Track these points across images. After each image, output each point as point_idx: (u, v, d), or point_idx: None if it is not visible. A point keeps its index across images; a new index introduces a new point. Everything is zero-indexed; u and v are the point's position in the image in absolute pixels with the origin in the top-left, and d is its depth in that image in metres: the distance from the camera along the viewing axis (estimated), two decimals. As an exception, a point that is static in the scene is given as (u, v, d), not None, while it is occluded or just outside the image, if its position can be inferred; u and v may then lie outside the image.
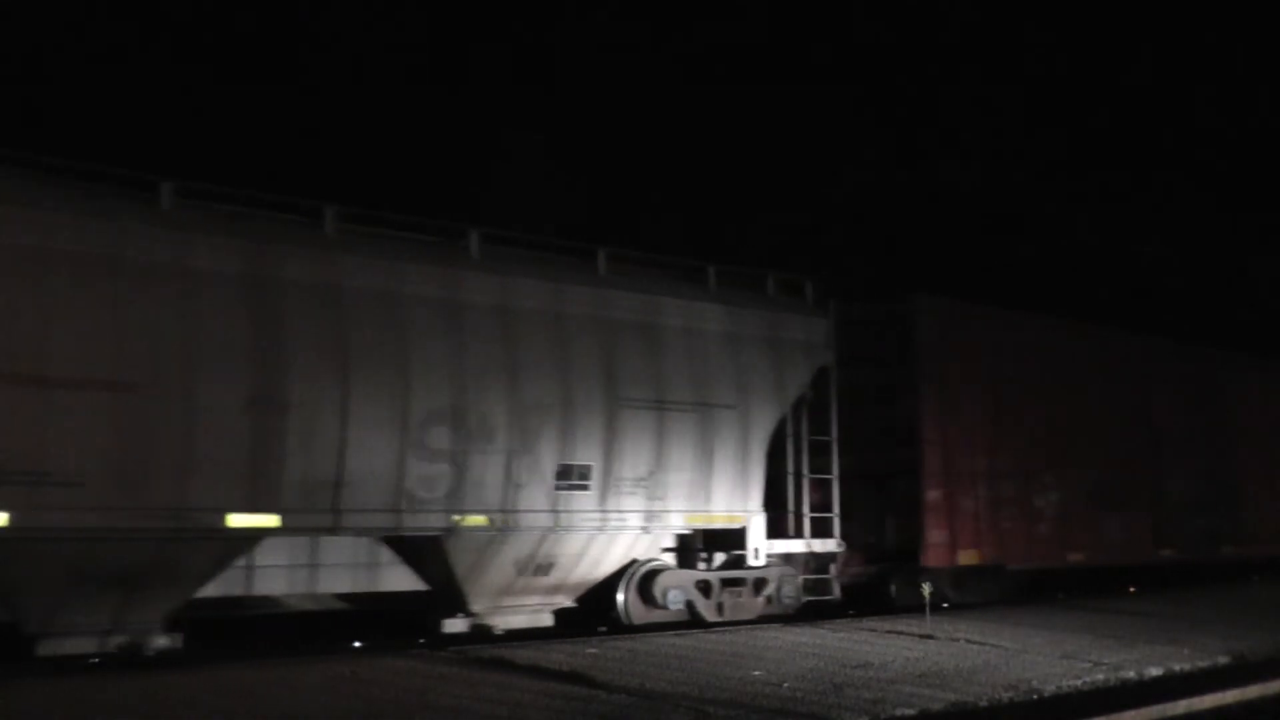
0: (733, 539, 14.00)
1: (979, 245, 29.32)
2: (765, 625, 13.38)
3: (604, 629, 13.38)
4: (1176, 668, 11.45)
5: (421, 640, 12.07)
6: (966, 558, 16.49)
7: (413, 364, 11.42)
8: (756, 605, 14.10)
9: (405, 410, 11.32)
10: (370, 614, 12.66)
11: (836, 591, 14.89)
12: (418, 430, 11.40)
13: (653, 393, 13.13)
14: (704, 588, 13.74)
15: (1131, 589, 19.61)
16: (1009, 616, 14.84)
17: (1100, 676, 10.73)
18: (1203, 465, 20.83)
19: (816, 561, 14.88)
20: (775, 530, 14.37)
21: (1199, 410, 21.14)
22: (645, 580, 13.33)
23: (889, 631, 13.06)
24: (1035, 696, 9.78)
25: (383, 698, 8.70)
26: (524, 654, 10.70)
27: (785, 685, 9.69)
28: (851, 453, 15.32)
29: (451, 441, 11.63)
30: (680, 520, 13.38)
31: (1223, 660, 12.08)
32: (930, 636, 12.67)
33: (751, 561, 13.97)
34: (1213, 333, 31.07)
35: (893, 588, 16.22)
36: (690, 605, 13.54)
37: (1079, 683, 10.38)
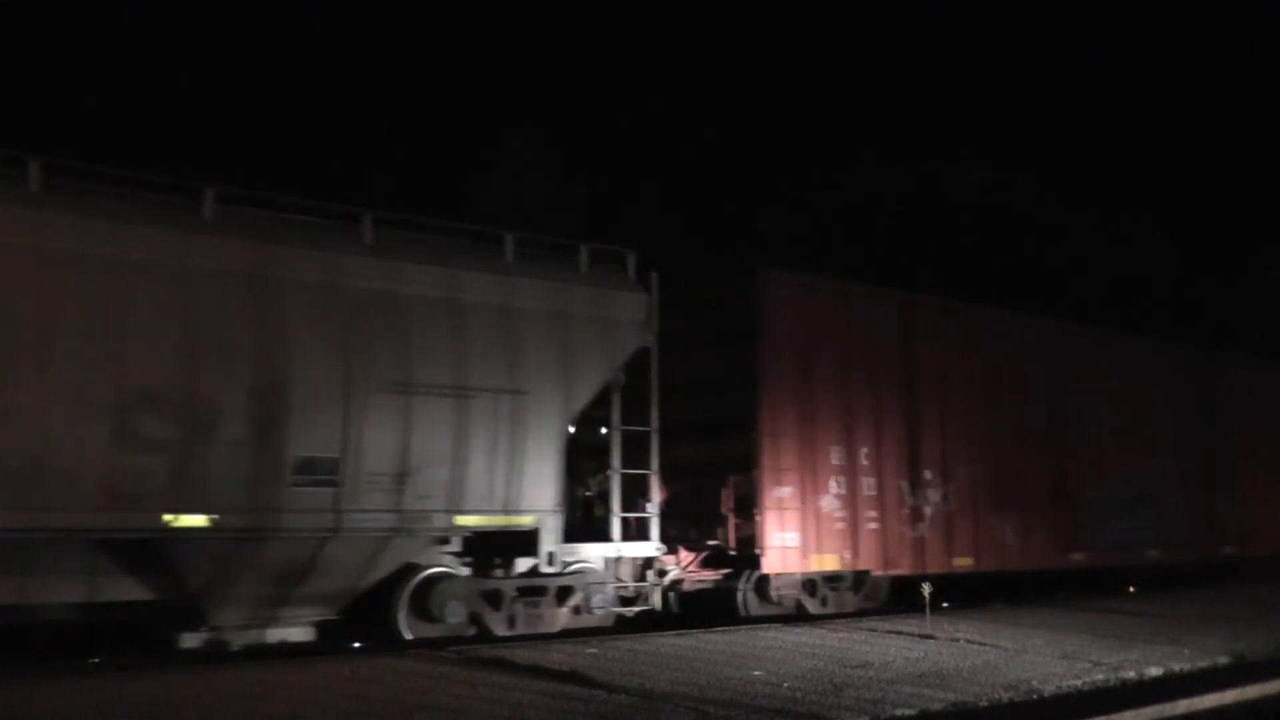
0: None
1: (979, 246, 29.31)
2: (765, 625, 13.38)
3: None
4: (1176, 668, 11.45)
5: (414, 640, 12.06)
6: (823, 563, 14.90)
7: (128, 337, 10.02)
8: (559, 617, 12.83)
9: (116, 390, 9.91)
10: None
11: (655, 601, 13.74)
12: (127, 414, 9.97)
13: (416, 376, 11.58)
14: (493, 598, 12.41)
15: (1131, 589, 19.60)
16: (1009, 616, 14.85)
17: (1100, 676, 10.73)
18: (1126, 465, 19.29)
19: (636, 567, 13.64)
20: (602, 534, 13.31)
21: (1125, 405, 19.51)
22: (421, 590, 11.95)
23: (889, 631, 13.06)
24: (1035, 696, 9.78)
25: (383, 698, 8.70)
26: (524, 654, 10.70)
27: (785, 685, 9.69)
28: (694, 444, 14.43)
29: (169, 429, 10.18)
30: (445, 521, 11.81)
31: (1223, 660, 12.08)
32: (930, 636, 12.67)
33: (545, 568, 12.58)
34: (1212, 334, 31.16)
35: (741, 596, 14.84)
36: (476, 618, 12.27)
37: (1079, 683, 10.37)
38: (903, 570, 15.62)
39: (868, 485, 15.46)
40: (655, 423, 13.61)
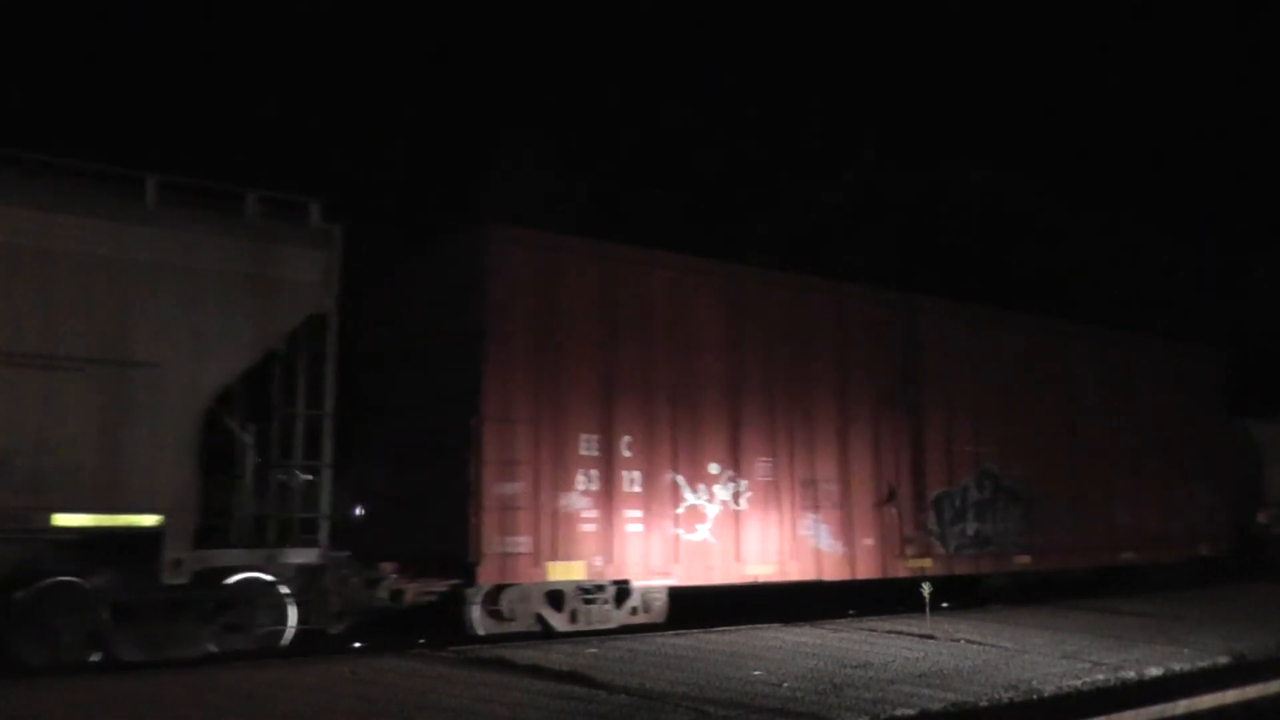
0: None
1: (981, 246, 29.32)
2: (765, 625, 13.38)
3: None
4: (1176, 668, 11.44)
5: (421, 640, 12.07)
6: (564, 571, 12.61)
7: None
8: (200, 638, 10.77)
9: None
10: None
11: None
12: None
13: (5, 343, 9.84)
14: (129, 612, 10.41)
15: (1131, 589, 19.56)
16: (1009, 616, 14.84)
17: (1100, 676, 10.72)
18: (988, 459, 16.95)
19: (311, 576, 11.39)
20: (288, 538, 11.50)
21: (992, 390, 17.18)
22: (31, 603, 10.05)
23: (889, 631, 13.06)
24: (1035, 696, 9.77)
25: (383, 698, 8.71)
26: (524, 654, 10.71)
27: (785, 685, 9.69)
28: (413, 429, 12.94)
29: None
30: (42, 520, 9.99)
31: (1223, 660, 12.07)
32: (930, 636, 12.67)
33: (170, 578, 10.46)
34: (1215, 336, 31.20)
35: (471, 610, 12.45)
36: (99, 638, 10.33)
37: (1079, 683, 10.37)
38: (675, 580, 13.39)
39: (630, 480, 13.12)
40: (330, 405, 11.45)
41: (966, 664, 11.03)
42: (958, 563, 16.42)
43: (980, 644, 12.32)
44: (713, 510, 13.79)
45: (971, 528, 16.61)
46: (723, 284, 14.36)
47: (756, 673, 10.21)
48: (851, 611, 15.06)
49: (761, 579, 14.14)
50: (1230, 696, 10.42)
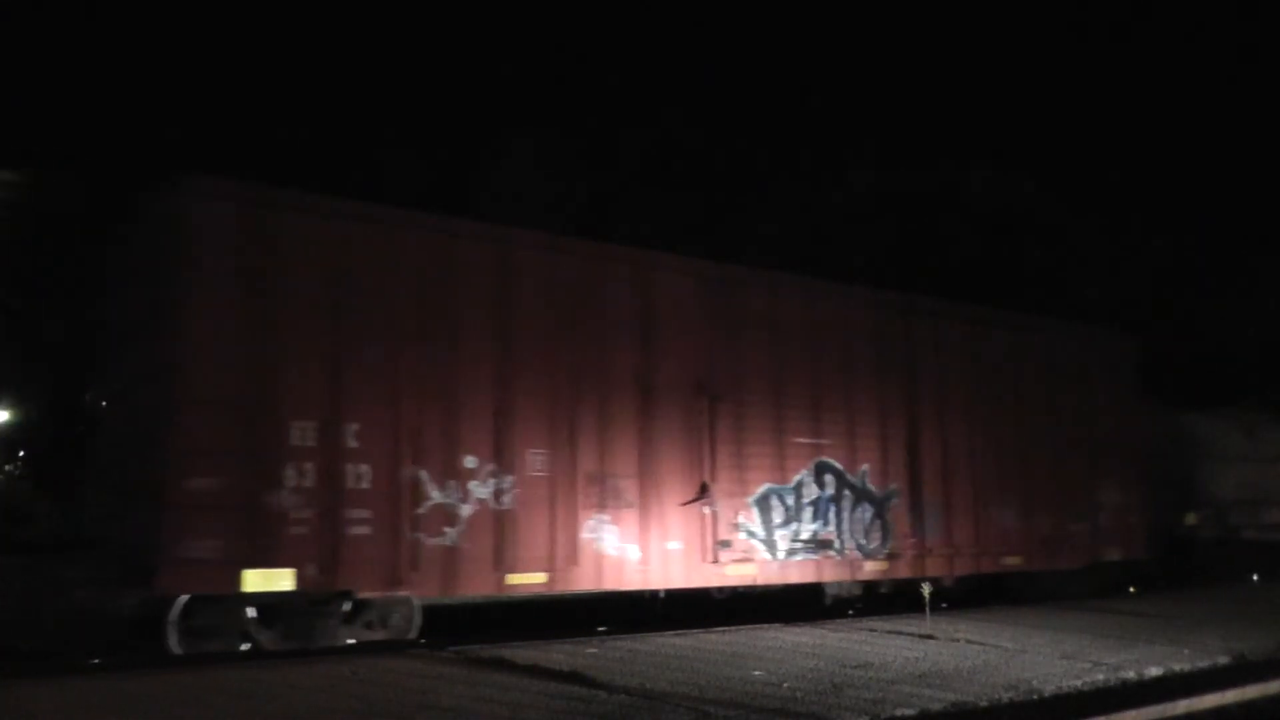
0: None
1: (981, 247, 29.33)
2: (765, 625, 13.38)
3: (604, 629, 13.39)
4: (1176, 668, 11.44)
5: (421, 640, 12.07)
6: (266, 580, 10.82)
7: None
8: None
9: None
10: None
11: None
12: None
13: None
14: None
15: (1131, 589, 19.56)
16: (1009, 616, 14.84)
17: (1100, 676, 10.72)
18: (827, 453, 14.89)
19: None
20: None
21: (834, 375, 15.14)
22: None
23: (889, 631, 13.06)
24: (1035, 696, 9.77)
25: (383, 698, 8.71)
26: (524, 654, 10.71)
27: (785, 685, 9.69)
28: (117, 413, 11.71)
29: None
30: None
31: (1223, 660, 12.07)
32: (930, 636, 12.67)
33: None
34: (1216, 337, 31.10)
35: (168, 625, 10.81)
36: None
37: (1079, 683, 10.37)
38: (413, 591, 11.66)
39: (357, 475, 11.24)
40: None
41: (966, 664, 11.03)
42: (789, 569, 14.21)
43: (980, 644, 12.32)
44: (466, 510, 11.85)
45: (807, 529, 14.40)
46: (494, 250, 12.49)
47: (756, 673, 10.22)
48: (851, 612, 15.06)
49: (530, 589, 12.28)
50: (1230, 696, 10.43)
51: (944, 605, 15.57)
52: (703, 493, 13.48)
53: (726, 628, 12.98)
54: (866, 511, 15.17)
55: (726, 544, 13.65)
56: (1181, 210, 32.16)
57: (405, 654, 10.91)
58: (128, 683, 9.06)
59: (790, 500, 14.35)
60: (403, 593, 11.60)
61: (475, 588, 12.01)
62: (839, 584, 15.12)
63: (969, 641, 12.45)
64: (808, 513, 14.53)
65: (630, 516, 12.95)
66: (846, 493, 14.96)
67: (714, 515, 13.54)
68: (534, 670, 10.01)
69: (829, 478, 14.85)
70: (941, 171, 29.57)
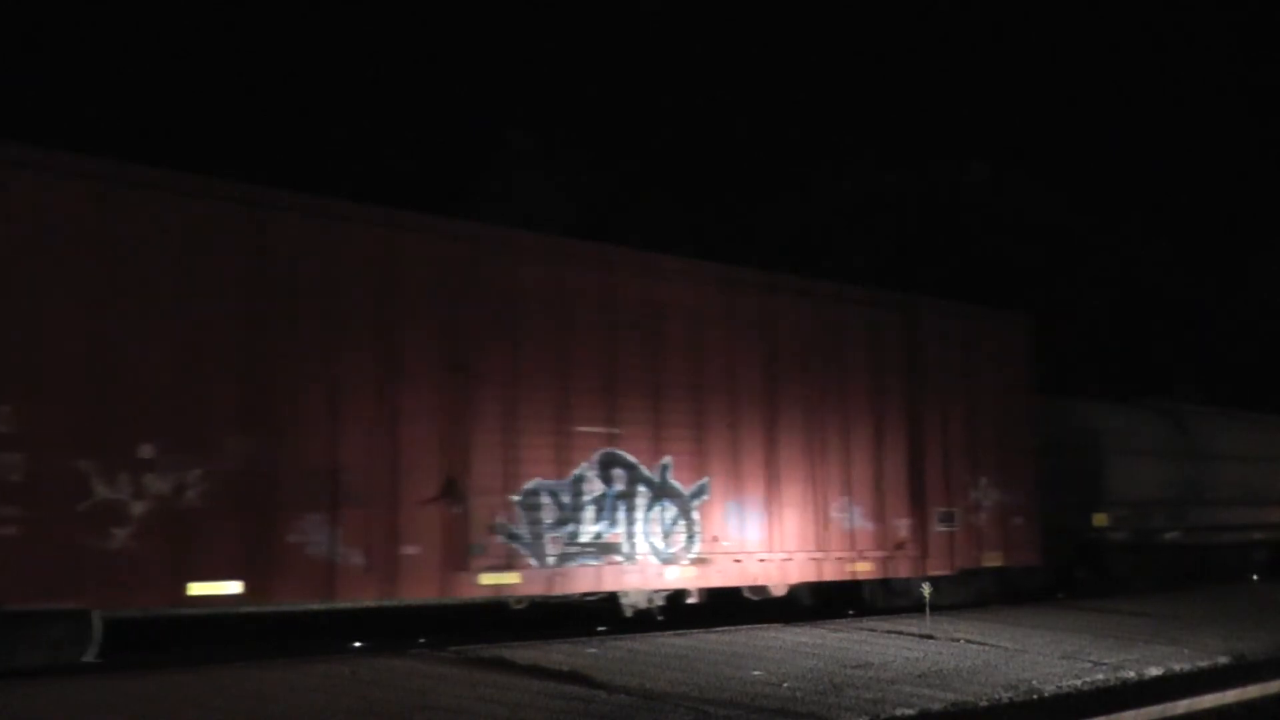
0: None
1: (981, 247, 29.34)
2: (765, 625, 13.39)
3: (603, 629, 13.39)
4: (1176, 668, 11.46)
5: (421, 640, 12.08)
6: None
7: None
8: None
9: None
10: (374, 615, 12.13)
11: None
12: None
13: None
14: None
15: (1131, 589, 19.56)
16: (1009, 617, 14.84)
17: (1100, 676, 10.73)
18: (624, 443, 12.86)
19: None
20: None
21: (642, 356, 13.12)
22: None
23: (889, 631, 13.07)
24: (1035, 696, 9.78)
25: (383, 698, 8.71)
26: (524, 654, 10.71)
27: (785, 685, 9.69)
28: None
29: None
30: None
31: (1223, 660, 12.09)
32: (930, 636, 12.68)
33: None
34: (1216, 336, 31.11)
35: None
36: None
37: (1079, 683, 10.38)
38: (79, 602, 9.81)
39: (5, 465, 9.49)
40: None
41: (966, 664, 11.03)
42: (565, 577, 12.24)
43: (980, 644, 12.32)
44: (139, 508, 9.99)
45: (589, 531, 12.44)
46: (176, 210, 10.38)
47: (756, 673, 10.22)
48: (851, 612, 15.05)
49: (221, 601, 10.48)
50: (1230, 696, 10.43)
51: (943, 606, 15.26)
52: (449, 489, 11.52)
53: (726, 628, 12.99)
54: (667, 511, 13.07)
55: (480, 548, 11.64)
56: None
57: (405, 654, 10.91)
58: (128, 683, 9.06)
59: (566, 497, 12.32)
60: (67, 604, 9.75)
61: (150, 599, 10.31)
62: (636, 593, 13.13)
63: (969, 641, 12.46)
64: (589, 512, 12.47)
65: (356, 516, 10.93)
66: (641, 489, 12.87)
67: (464, 515, 11.53)
68: (534, 670, 10.01)
69: (619, 472, 12.75)
70: (941, 171, 29.59)
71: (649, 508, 12.94)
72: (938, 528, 15.59)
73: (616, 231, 20.46)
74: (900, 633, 12.95)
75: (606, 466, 12.68)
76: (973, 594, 16.19)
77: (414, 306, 11.57)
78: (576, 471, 12.46)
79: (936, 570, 15.43)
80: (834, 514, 14.49)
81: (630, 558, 12.71)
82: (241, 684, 9.08)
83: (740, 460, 13.76)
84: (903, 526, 15.20)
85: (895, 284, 17.39)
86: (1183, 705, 9.89)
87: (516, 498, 11.98)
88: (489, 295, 12.08)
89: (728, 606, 14.16)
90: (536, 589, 12.16)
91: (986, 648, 12.11)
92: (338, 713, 8.25)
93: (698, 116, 29.10)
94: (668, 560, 12.99)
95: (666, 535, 13.03)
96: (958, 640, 12.50)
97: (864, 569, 14.72)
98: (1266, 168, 35.82)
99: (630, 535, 12.75)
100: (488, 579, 11.71)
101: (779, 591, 14.21)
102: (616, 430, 12.83)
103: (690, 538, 13.22)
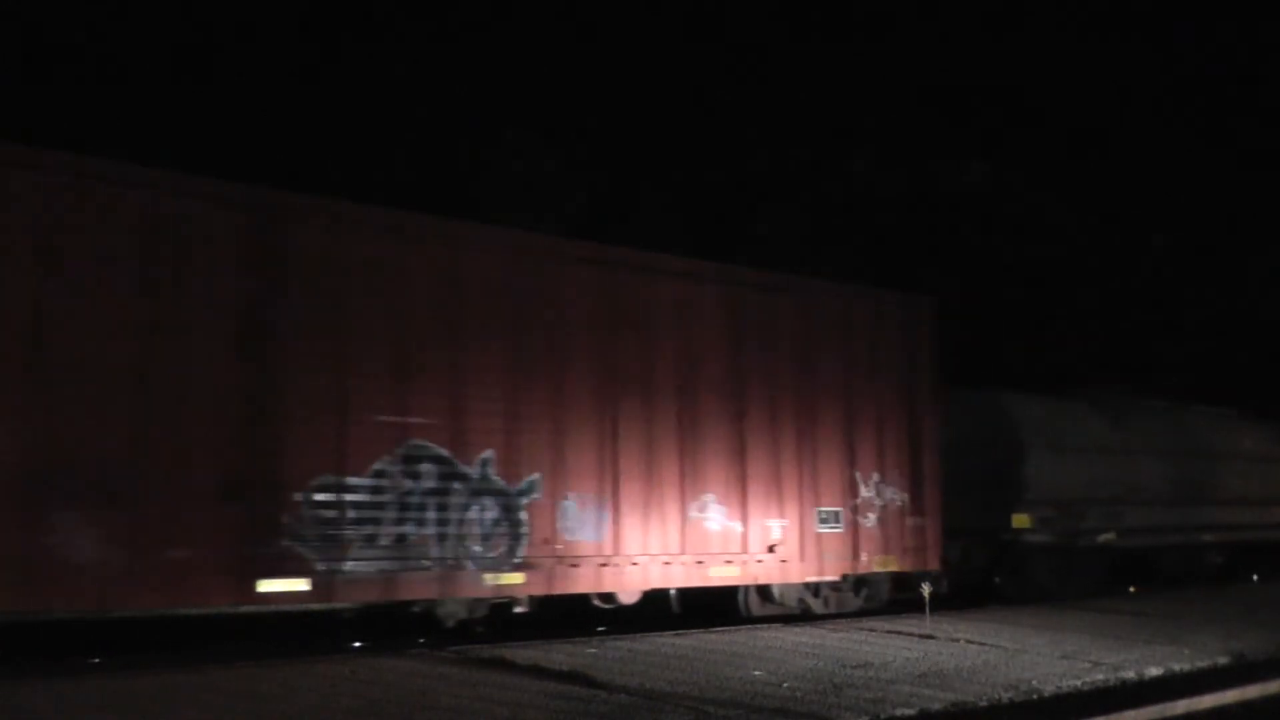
0: None
1: (981, 247, 29.34)
2: (765, 625, 13.39)
3: (603, 629, 13.39)
4: (1176, 668, 11.46)
5: (421, 640, 12.07)
6: None
7: None
8: None
9: None
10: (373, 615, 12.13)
11: None
12: None
13: None
14: None
15: (1131, 589, 19.56)
16: (1009, 617, 14.85)
17: (1100, 676, 10.73)
18: (418, 434, 11.38)
19: None
20: None
21: (452, 336, 11.73)
22: None
23: (889, 631, 13.06)
24: (1035, 697, 9.78)
25: (383, 698, 8.71)
26: (524, 654, 10.71)
27: (785, 685, 9.69)
28: None
29: None
30: None
31: (1223, 660, 12.09)
32: (930, 636, 12.68)
33: None
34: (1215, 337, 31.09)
35: None
36: None
37: (1079, 683, 10.38)
38: None
39: None
40: None
41: (966, 664, 11.03)
42: (362, 584, 10.96)
43: (980, 644, 12.33)
44: None
45: (391, 533, 11.14)
46: None
47: (756, 673, 10.22)
48: (852, 612, 15.05)
49: None
50: (1230, 696, 10.44)
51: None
52: (228, 486, 10.24)
53: (726, 628, 12.99)
54: (488, 510, 11.71)
55: (262, 552, 10.35)
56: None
57: (405, 654, 10.92)
58: (128, 683, 9.06)
59: (363, 495, 10.98)
60: None
61: None
62: (454, 602, 11.87)
63: (969, 641, 12.46)
64: (391, 511, 11.13)
65: (114, 516, 9.66)
66: (455, 486, 11.50)
67: (244, 515, 10.28)
68: (534, 670, 10.01)
69: (428, 466, 11.34)
70: (938, 170, 29.58)
71: (465, 507, 11.56)
72: (819, 529, 14.16)
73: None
74: (900, 633, 12.95)
75: (413, 460, 11.27)
76: (864, 602, 14.94)
77: (190, 279, 10.22)
78: (376, 466, 11.06)
79: (814, 575, 14.14)
80: (694, 514, 13.11)
81: (441, 562, 11.36)
82: (241, 684, 9.08)
83: (581, 454, 12.34)
84: (777, 527, 13.79)
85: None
86: (1182, 705, 9.90)
87: (304, 495, 10.61)
88: (271, 268, 10.68)
89: (580, 616, 13.18)
90: (328, 597, 10.90)
91: (986, 648, 12.11)
92: (337, 713, 8.25)
93: (694, 114, 29.11)
94: (488, 565, 11.60)
95: (486, 537, 11.64)
96: (958, 640, 12.50)
97: (728, 574, 13.36)
98: (1266, 167, 35.83)
99: (441, 537, 11.39)
100: (269, 586, 10.39)
101: (629, 599, 12.96)
102: (427, 420, 11.40)
103: (516, 540, 11.83)
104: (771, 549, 13.68)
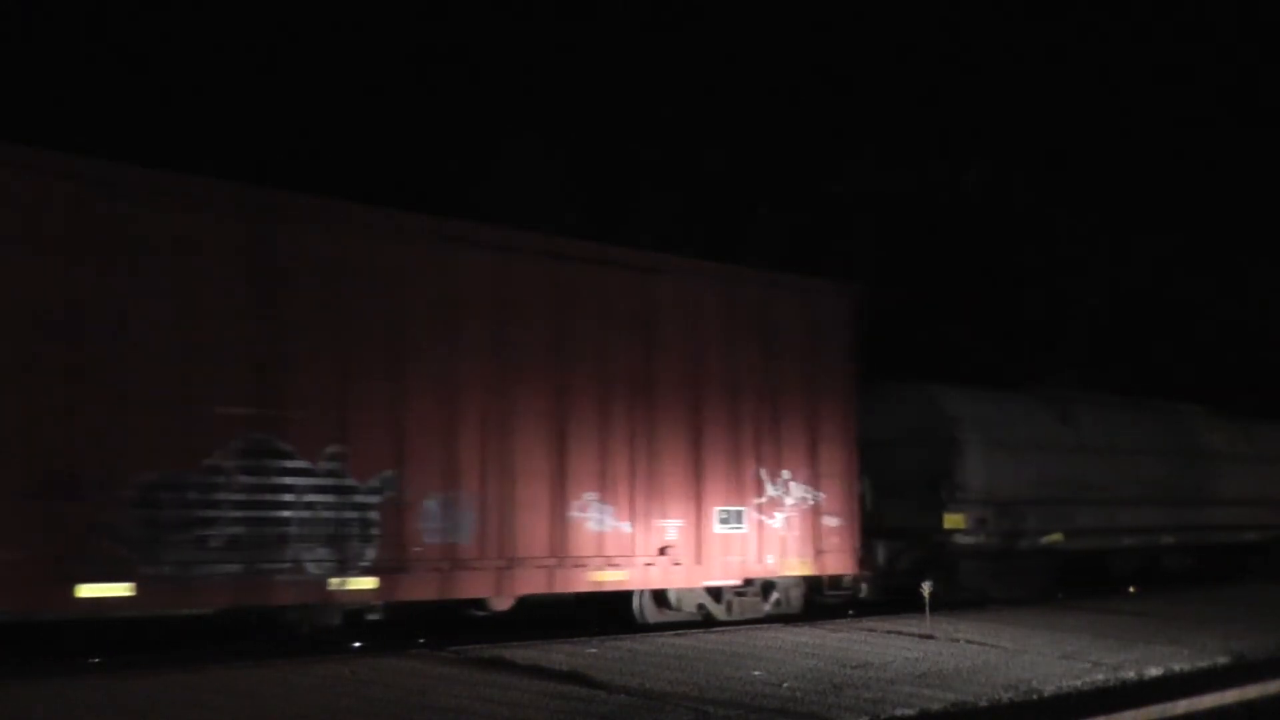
0: None
1: (976, 245, 29.35)
2: (765, 625, 13.39)
3: (600, 630, 13.38)
4: (1176, 668, 11.46)
5: (421, 640, 12.07)
6: None
7: None
8: None
9: None
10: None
11: None
12: None
13: None
14: None
15: (1131, 589, 19.55)
16: (1009, 617, 14.84)
17: (1100, 676, 10.73)
18: (261, 425, 10.51)
19: None
20: None
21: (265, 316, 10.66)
22: None
23: (889, 631, 13.07)
24: (1035, 696, 9.78)
25: (383, 698, 8.71)
26: (524, 654, 10.71)
27: (785, 685, 9.69)
28: None
29: None
30: None
31: (1222, 660, 12.09)
32: (930, 636, 12.68)
33: None
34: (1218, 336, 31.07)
35: None
36: None
37: (1079, 683, 10.38)
38: None
39: None
40: None
41: (966, 664, 11.03)
42: (193, 590, 10.09)
43: (980, 644, 12.33)
44: None
45: (226, 533, 10.23)
46: None
47: (756, 673, 10.22)
48: (851, 611, 15.05)
49: None
50: (1230, 696, 10.45)
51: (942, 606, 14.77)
52: (43, 480, 9.43)
53: (726, 627, 12.99)
54: (333, 509, 10.78)
55: (79, 554, 9.54)
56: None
57: (405, 654, 10.91)
58: (128, 683, 9.06)
59: (195, 493, 10.10)
60: None
61: None
62: (300, 608, 10.98)
63: (969, 641, 12.46)
64: (227, 510, 10.23)
65: None
66: (300, 482, 10.61)
67: (60, 513, 9.46)
68: (534, 670, 10.01)
69: (269, 461, 10.48)
70: (938, 170, 29.58)
71: (309, 505, 10.64)
72: (719, 529, 13.27)
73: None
74: (900, 633, 12.95)
75: (253, 455, 10.39)
76: (773, 608, 13.95)
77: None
78: (210, 461, 10.16)
79: (713, 579, 13.29)
80: (574, 513, 12.15)
81: (281, 566, 10.44)
82: (241, 684, 9.08)
83: (444, 450, 11.39)
84: (670, 528, 12.89)
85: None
86: (1182, 705, 9.90)
87: (129, 493, 9.77)
88: (102, 245, 9.86)
89: (445, 624, 12.50)
90: (155, 603, 10.04)
91: (986, 648, 12.11)
92: (337, 713, 8.25)
93: (693, 114, 29.11)
94: (333, 569, 10.68)
95: (333, 539, 10.70)
96: (958, 640, 12.50)
97: (613, 578, 12.43)
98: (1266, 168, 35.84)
99: (282, 538, 10.47)
100: (89, 591, 9.53)
101: (502, 605, 12.07)
102: (269, 411, 10.50)
103: (365, 541, 10.89)
104: (663, 551, 12.81)
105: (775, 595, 14.04)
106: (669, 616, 13.33)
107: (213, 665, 10.01)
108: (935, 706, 9.06)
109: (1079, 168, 31.72)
